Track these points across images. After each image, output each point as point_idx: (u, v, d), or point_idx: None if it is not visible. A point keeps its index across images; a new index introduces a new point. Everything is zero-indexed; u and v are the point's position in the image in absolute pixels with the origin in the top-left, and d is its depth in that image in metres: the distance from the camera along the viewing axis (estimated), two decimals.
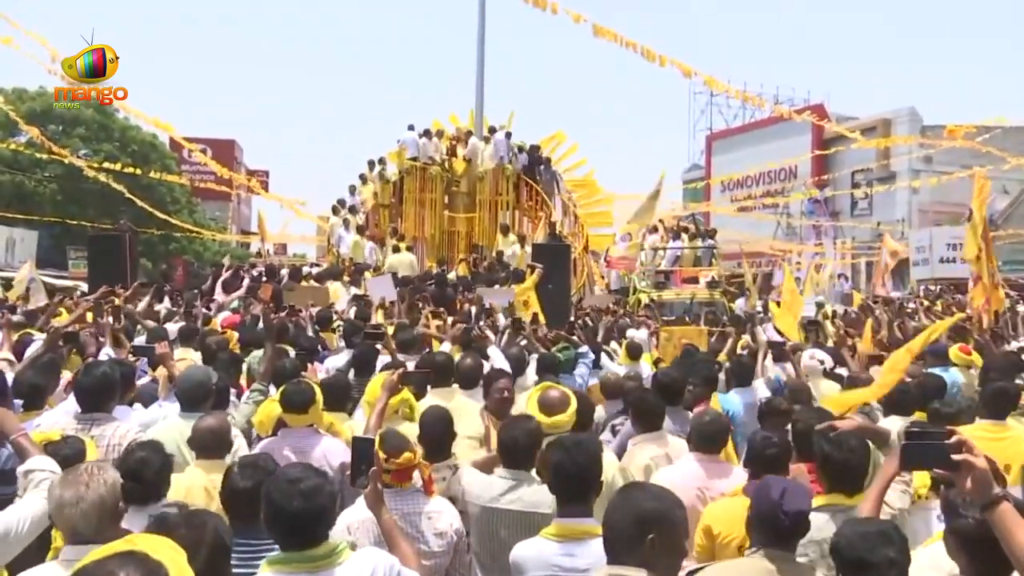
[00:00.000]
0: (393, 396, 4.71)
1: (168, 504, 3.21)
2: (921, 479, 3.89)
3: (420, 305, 10.59)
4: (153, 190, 35.21)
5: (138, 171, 27.03)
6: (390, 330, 8.16)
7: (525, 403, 4.73)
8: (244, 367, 6.89)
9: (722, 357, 7.72)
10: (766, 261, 34.45)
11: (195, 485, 3.93)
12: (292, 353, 6.87)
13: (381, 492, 3.25)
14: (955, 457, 2.48)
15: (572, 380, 6.96)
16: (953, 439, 2.50)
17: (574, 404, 4.52)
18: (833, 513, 3.37)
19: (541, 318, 11.26)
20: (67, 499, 2.74)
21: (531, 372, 7.07)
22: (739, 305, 9.66)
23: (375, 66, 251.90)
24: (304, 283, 13.75)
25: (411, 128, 20.46)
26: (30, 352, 6.56)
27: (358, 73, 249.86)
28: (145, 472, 3.37)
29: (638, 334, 9.88)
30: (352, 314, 10.40)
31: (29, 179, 36.10)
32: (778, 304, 11.77)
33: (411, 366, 6.23)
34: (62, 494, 2.76)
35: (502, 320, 9.68)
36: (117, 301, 9.85)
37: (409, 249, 18.15)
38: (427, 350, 7.41)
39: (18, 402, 4.85)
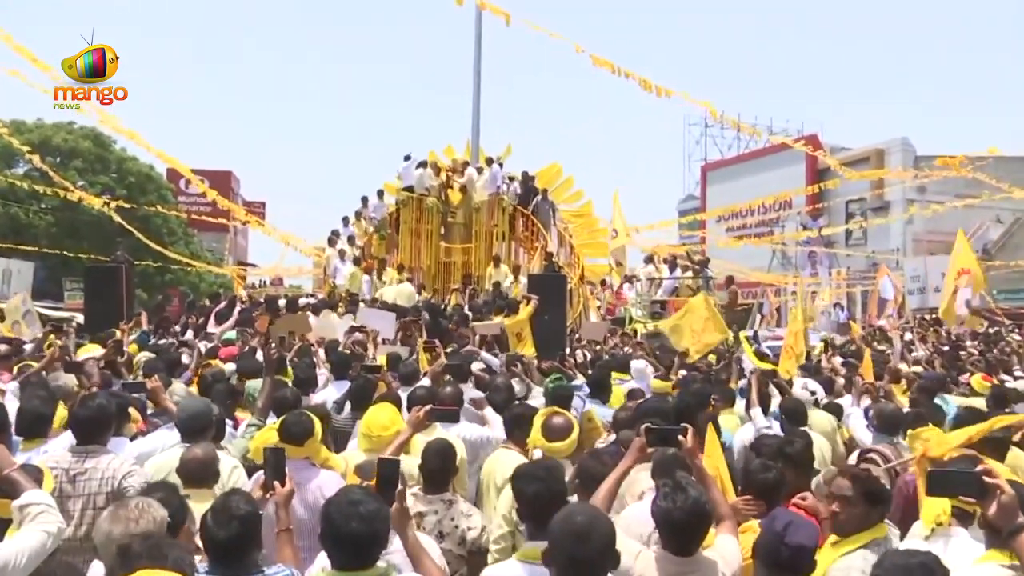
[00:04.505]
0: (419, 432, 4.78)
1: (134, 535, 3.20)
2: (941, 506, 3.85)
3: (412, 334, 10.60)
4: (149, 221, 35.24)
5: (133, 206, 27.13)
6: (381, 359, 8.18)
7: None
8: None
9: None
10: (761, 291, 34.51)
11: None
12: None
13: (408, 510, 3.35)
14: (988, 481, 2.52)
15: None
16: (980, 468, 2.55)
17: (575, 433, 4.66)
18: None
19: (532, 351, 11.26)
20: (116, 535, 2.80)
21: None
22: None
23: (371, 97, 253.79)
24: (300, 314, 13.72)
25: (407, 158, 20.52)
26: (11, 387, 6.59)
27: (355, 104, 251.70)
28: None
29: (638, 364, 9.90)
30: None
31: (25, 211, 36.14)
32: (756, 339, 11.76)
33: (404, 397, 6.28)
34: (111, 529, 2.82)
35: (493, 362, 9.67)
36: (119, 334, 9.86)
37: (410, 280, 18.13)
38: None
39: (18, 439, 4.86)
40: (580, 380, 7.79)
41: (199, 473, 4.11)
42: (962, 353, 12.87)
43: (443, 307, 15.37)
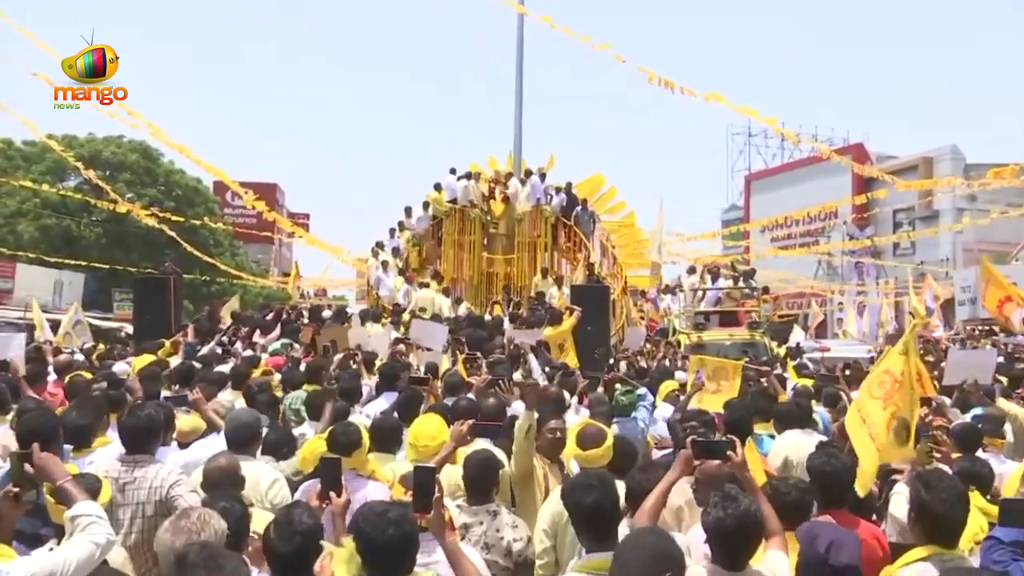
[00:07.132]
0: (461, 447, 4.77)
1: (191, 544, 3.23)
2: (979, 523, 3.76)
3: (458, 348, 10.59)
4: (196, 233, 35.79)
5: (182, 219, 27.62)
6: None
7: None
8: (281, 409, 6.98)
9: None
10: (806, 302, 34.12)
11: None
12: None
13: (444, 517, 3.33)
14: None
15: (634, 424, 6.89)
16: None
17: (610, 440, 4.73)
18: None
19: (574, 362, 11.17)
20: (178, 545, 2.89)
21: (571, 416, 6.99)
22: None
23: (414, 109, 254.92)
24: (345, 325, 13.80)
25: (453, 172, 20.58)
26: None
27: (398, 115, 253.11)
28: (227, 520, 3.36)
29: (684, 376, 9.80)
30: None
31: (77, 224, 36.86)
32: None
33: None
34: (173, 540, 2.92)
35: (536, 368, 9.59)
36: (168, 344, 10.00)
37: (446, 292, 18.09)
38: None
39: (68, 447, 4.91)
40: (643, 390, 7.67)
41: (221, 482, 4.13)
42: (1019, 366, 12.60)
43: (490, 318, 15.36)
